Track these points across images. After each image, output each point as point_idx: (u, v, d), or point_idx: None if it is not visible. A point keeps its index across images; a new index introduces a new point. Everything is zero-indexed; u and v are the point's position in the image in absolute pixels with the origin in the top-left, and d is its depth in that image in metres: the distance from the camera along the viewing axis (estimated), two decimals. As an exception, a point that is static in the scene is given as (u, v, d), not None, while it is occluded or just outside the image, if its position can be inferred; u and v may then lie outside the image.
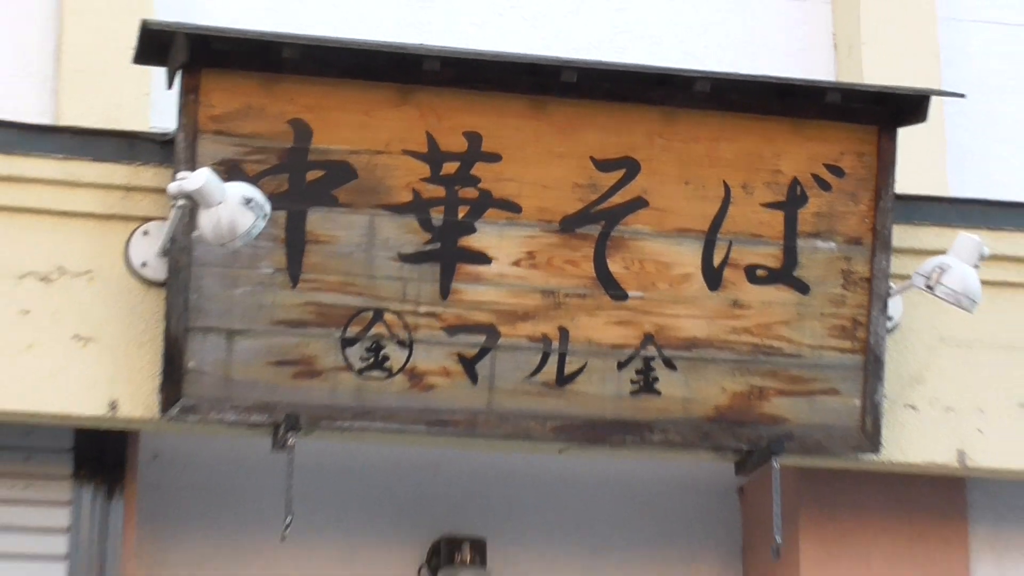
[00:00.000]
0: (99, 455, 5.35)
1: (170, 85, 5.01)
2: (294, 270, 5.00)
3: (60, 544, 5.26)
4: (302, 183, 5.03)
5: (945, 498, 6.09)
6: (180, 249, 4.93)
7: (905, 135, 5.43)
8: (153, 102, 5.37)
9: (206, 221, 4.66)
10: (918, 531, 6.06)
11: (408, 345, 5.09)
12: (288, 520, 5.09)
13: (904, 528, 6.05)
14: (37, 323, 5.02)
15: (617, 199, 5.19)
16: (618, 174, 5.18)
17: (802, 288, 5.31)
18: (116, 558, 5.34)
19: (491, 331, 5.15)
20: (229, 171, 4.83)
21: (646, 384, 5.24)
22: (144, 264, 5.07)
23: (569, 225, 5.18)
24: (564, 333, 5.19)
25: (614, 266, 5.20)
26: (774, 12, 6.77)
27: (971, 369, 5.73)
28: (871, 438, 5.41)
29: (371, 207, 5.06)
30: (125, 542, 5.37)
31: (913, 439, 5.61)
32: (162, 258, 5.05)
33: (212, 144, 4.92)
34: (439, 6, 6.49)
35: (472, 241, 5.15)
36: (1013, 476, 5.95)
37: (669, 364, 5.24)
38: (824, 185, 5.30)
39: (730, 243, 5.28)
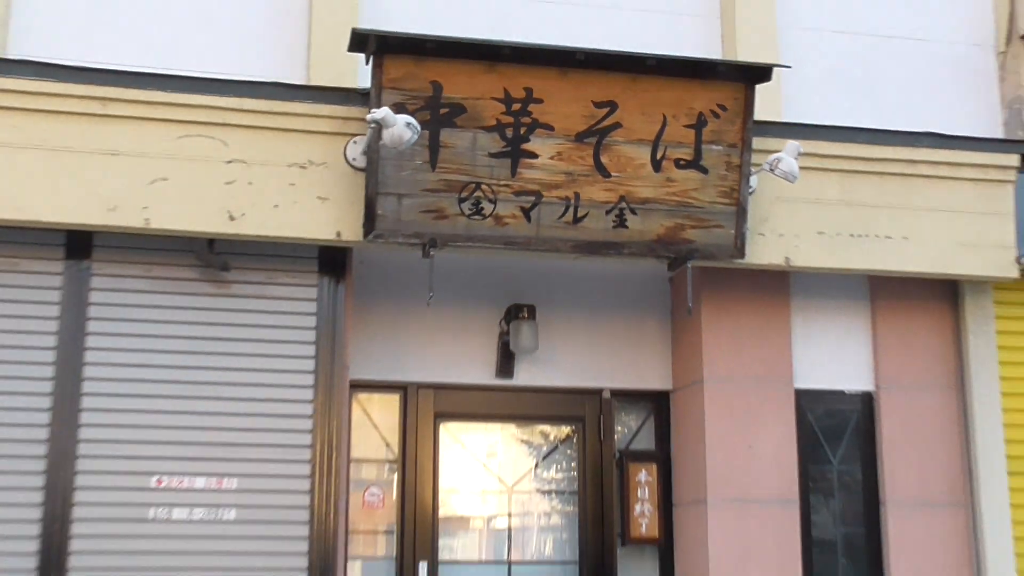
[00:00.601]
0: (332, 260, 5.56)
1: (367, 62, 5.20)
2: (433, 162, 5.24)
3: (311, 307, 5.52)
4: (437, 115, 5.23)
5: (778, 283, 6.18)
6: (372, 151, 5.18)
7: (760, 88, 5.55)
8: (365, 72, 5.31)
9: (386, 136, 4.97)
10: (763, 300, 6.15)
11: (494, 202, 5.34)
12: (430, 295, 5.41)
13: (755, 298, 6.14)
14: (298, 190, 5.31)
15: (605, 123, 5.40)
16: (606, 110, 5.39)
17: (704, 171, 5.49)
18: (342, 318, 5.54)
19: (538, 194, 5.38)
20: (398, 109, 5.03)
21: (620, 222, 5.47)
22: (354, 159, 5.37)
23: (580, 137, 5.39)
24: (577, 195, 5.42)
25: (604, 159, 5.42)
26: (690, 16, 6.61)
27: (793, 213, 5.82)
28: (740, 251, 5.60)
29: (474, 128, 5.27)
30: (346, 309, 5.57)
31: (762, 251, 5.76)
32: (363, 155, 5.32)
33: (389, 95, 5.13)
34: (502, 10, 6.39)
35: (527, 146, 5.34)
36: (813, 271, 5.96)
37: (633, 212, 5.46)
38: (716, 115, 5.47)
39: (666, 147, 5.46)
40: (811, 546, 6.11)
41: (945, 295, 6.40)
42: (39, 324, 5.23)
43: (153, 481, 5.23)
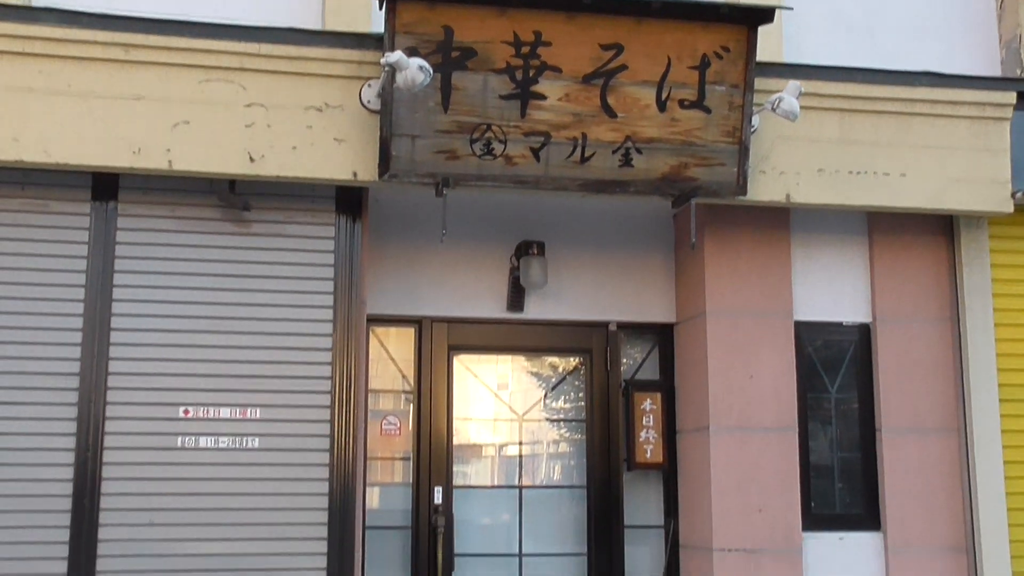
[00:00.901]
0: (348, 200, 5.63)
1: (380, 7, 5.16)
2: (445, 104, 5.27)
3: (329, 245, 5.60)
4: (449, 58, 5.24)
5: (779, 219, 6.25)
6: (387, 94, 5.22)
7: (761, 30, 5.51)
8: (379, 18, 5.31)
9: (400, 79, 5.01)
10: (764, 235, 6.22)
11: (504, 142, 5.38)
12: (444, 233, 5.52)
13: (756, 234, 6.22)
14: (316, 132, 5.37)
15: (612, 65, 5.41)
16: (612, 52, 5.39)
17: (707, 111, 5.51)
18: (359, 255, 5.61)
19: (547, 134, 5.40)
20: (411, 52, 5.06)
21: (626, 161, 5.51)
22: (369, 101, 5.41)
23: (587, 79, 5.40)
24: (584, 135, 5.45)
25: (610, 100, 5.43)
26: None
27: (793, 151, 5.84)
28: (742, 188, 5.65)
29: (484, 71, 5.29)
30: (363, 247, 5.64)
31: (763, 188, 5.80)
32: (378, 98, 5.36)
33: (402, 39, 5.14)
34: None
35: (536, 88, 5.36)
36: (812, 207, 5.99)
37: (638, 151, 5.50)
38: (719, 57, 5.47)
39: (670, 88, 5.47)
40: (809, 471, 6.26)
41: (941, 230, 6.47)
42: (69, 263, 5.39)
43: (180, 412, 5.40)
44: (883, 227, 6.43)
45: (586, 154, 5.50)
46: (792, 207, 6.10)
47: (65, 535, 5.20)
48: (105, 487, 5.28)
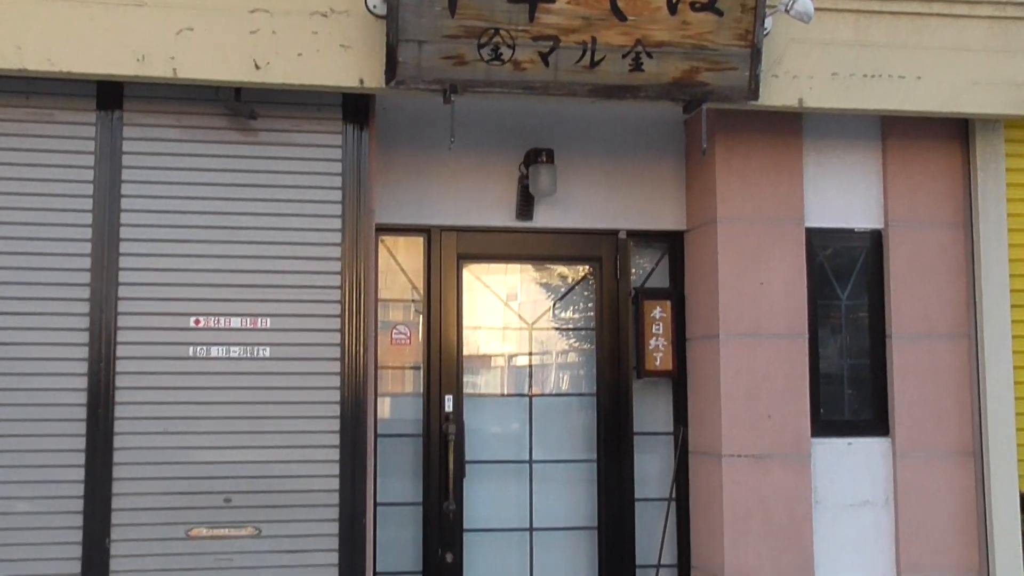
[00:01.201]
0: (355, 108, 5.60)
1: None
2: (452, 8, 5.18)
3: (337, 154, 5.58)
4: None
5: (791, 124, 6.23)
6: None
7: None
8: None
9: None
10: (776, 141, 6.20)
11: (512, 47, 5.30)
12: (452, 140, 5.57)
13: (768, 139, 6.18)
14: (321, 39, 5.34)
15: None
16: None
17: (719, 13, 5.40)
18: (366, 163, 5.59)
19: (555, 39, 5.32)
20: None
21: (636, 66, 5.44)
22: (375, 6, 5.35)
23: None
24: (594, 39, 5.36)
25: (620, 3, 5.32)
26: None
27: (806, 54, 5.80)
28: (754, 92, 5.58)
29: None
30: (371, 155, 5.61)
31: (775, 93, 5.77)
32: (383, 3, 5.27)
33: None
34: None
35: None
36: (825, 111, 5.96)
37: (649, 55, 5.42)
38: None
39: None
40: (818, 378, 6.30)
41: (956, 134, 6.42)
42: (75, 173, 5.38)
43: (191, 322, 5.44)
44: (897, 132, 6.39)
45: (595, 59, 5.44)
46: (805, 112, 6.08)
47: (81, 443, 5.28)
48: (119, 396, 5.34)
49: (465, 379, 6.45)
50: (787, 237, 6.21)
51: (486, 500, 6.44)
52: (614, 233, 6.57)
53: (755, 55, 5.56)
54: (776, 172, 6.22)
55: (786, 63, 5.83)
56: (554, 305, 6.69)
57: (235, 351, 5.48)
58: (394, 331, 6.43)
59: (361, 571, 5.42)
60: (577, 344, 6.69)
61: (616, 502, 6.48)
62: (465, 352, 6.44)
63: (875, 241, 6.44)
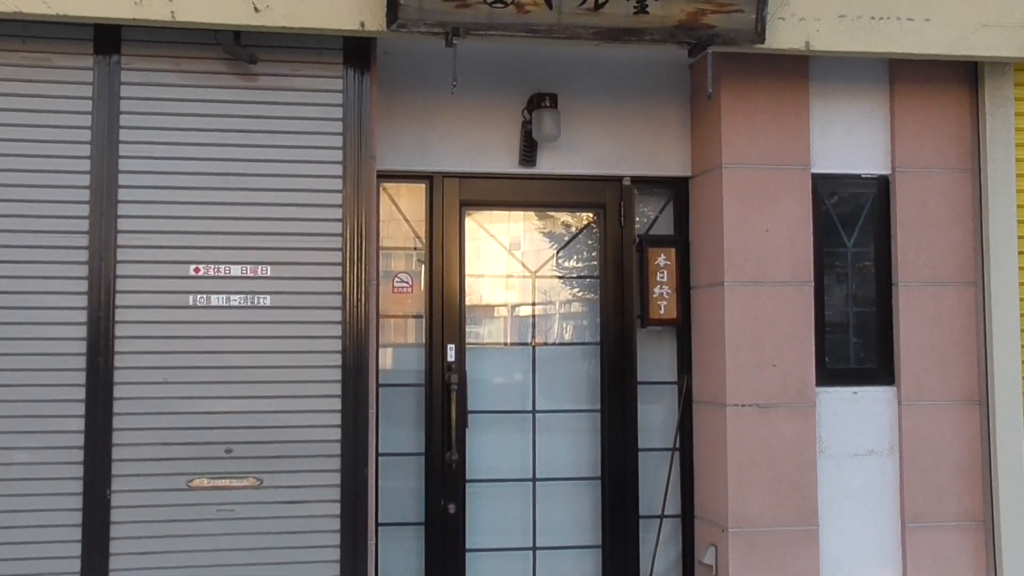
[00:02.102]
0: (356, 52, 5.62)
1: None
2: None
3: (338, 99, 5.61)
4: None
5: (797, 68, 6.24)
6: None
7: None
8: None
9: None
10: (782, 85, 6.21)
11: None
12: (454, 84, 5.62)
13: (774, 84, 6.20)
14: None
15: None
16: None
17: None
18: (367, 109, 5.61)
19: None
20: None
21: (641, 8, 5.46)
22: None
23: None
24: None
25: None
26: None
27: None
28: (760, 35, 5.63)
29: None
30: (372, 100, 5.63)
31: (782, 36, 5.79)
32: None
33: None
34: None
35: None
36: (833, 55, 5.97)
37: None
38: None
39: None
40: (824, 325, 6.37)
41: (964, 78, 6.44)
42: (73, 119, 5.40)
43: (191, 270, 5.48)
44: (905, 76, 6.41)
45: (600, 1, 5.44)
46: (811, 55, 6.08)
47: (81, 393, 5.33)
48: (119, 345, 5.39)
49: (467, 329, 6.52)
50: (793, 183, 6.24)
51: (489, 450, 6.51)
52: (618, 179, 6.60)
53: (761, -1, 5.62)
54: (782, 117, 6.24)
55: (793, 5, 5.83)
56: (557, 253, 6.74)
57: (235, 300, 5.52)
58: (396, 280, 6.50)
59: (363, 521, 5.50)
60: (581, 293, 6.74)
61: (620, 452, 6.55)
62: (467, 301, 6.48)
63: (882, 187, 6.47)
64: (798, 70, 6.29)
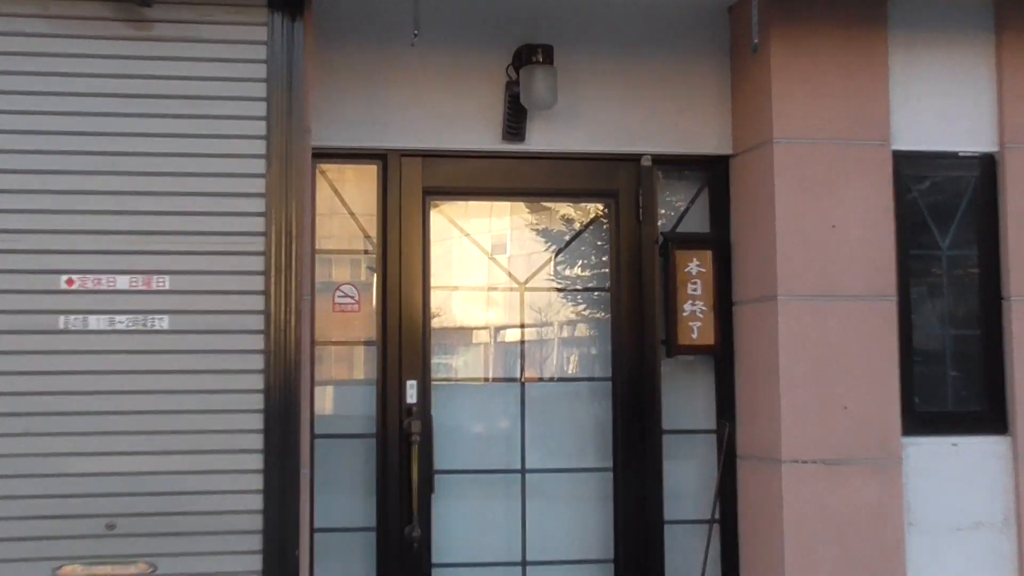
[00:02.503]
0: None
1: None
2: None
3: (260, 53, 5.57)
4: None
5: (872, 10, 6.28)
6: None
7: None
8: None
9: None
10: (851, 34, 6.25)
11: None
12: (415, 35, 5.66)
13: (841, 32, 6.25)
14: None
15: None
16: None
17: None
18: (300, 67, 5.58)
19: None
20: None
21: None
22: None
23: None
24: None
25: None
26: None
27: None
28: None
29: None
30: (305, 55, 5.60)
31: None
32: None
33: None
34: None
35: None
36: None
37: None
38: None
39: None
40: (911, 354, 6.40)
41: (1099, 23, 6.43)
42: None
43: (62, 282, 5.45)
44: (1017, 21, 6.45)
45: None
46: (893, -6, 5.93)
47: (-87, 452, 5.28)
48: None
49: (434, 360, 6.53)
50: (867, 164, 6.26)
51: (463, 524, 6.54)
52: (635, 159, 6.64)
53: (825, -89, 5.57)
54: (852, 76, 6.27)
55: (867, -78, 5.82)
56: (555, 258, 6.79)
57: (121, 321, 5.49)
58: (338, 293, 6.52)
59: (294, 626, 5.40)
60: (586, 311, 6.79)
61: (639, 525, 6.57)
62: (434, 323, 6.54)
63: (987, 169, 6.52)
64: (873, 14, 6.32)
